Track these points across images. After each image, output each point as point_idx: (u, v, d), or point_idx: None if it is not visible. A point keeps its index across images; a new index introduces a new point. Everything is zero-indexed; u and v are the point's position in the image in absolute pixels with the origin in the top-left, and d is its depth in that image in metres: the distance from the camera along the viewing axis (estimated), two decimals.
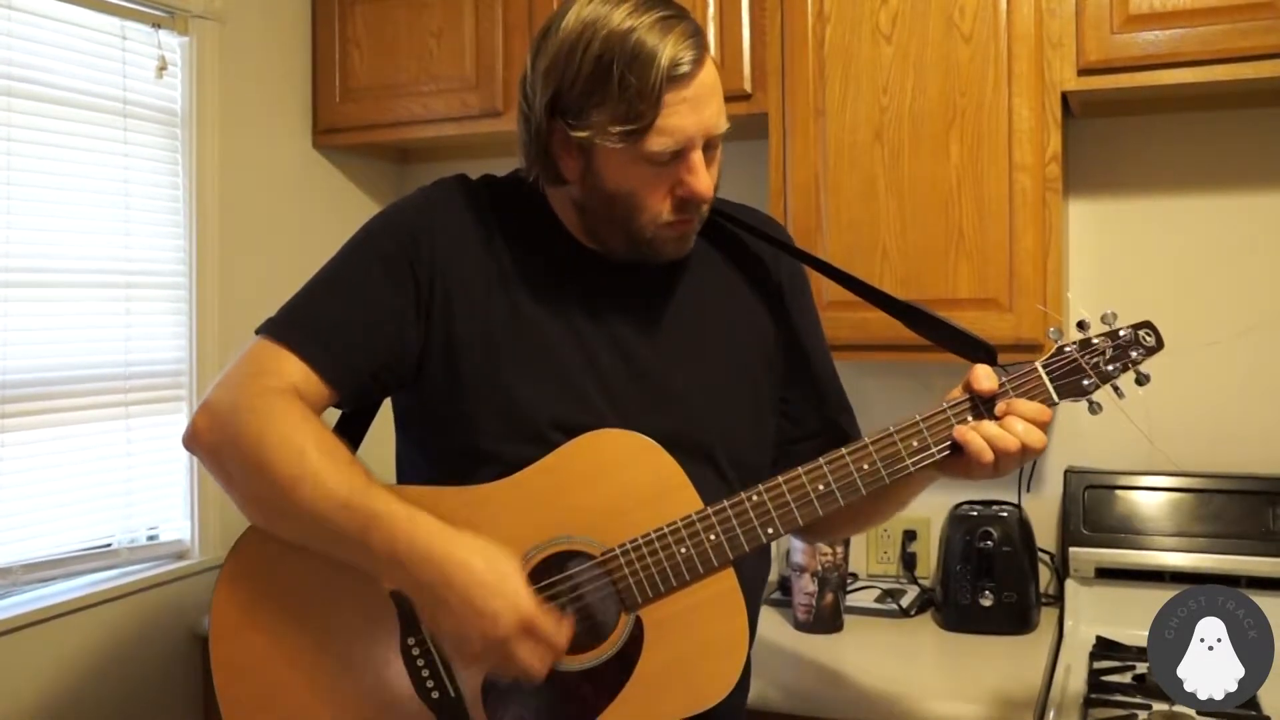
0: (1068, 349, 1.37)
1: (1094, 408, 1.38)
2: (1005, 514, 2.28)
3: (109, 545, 2.30)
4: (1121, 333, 1.37)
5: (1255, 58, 1.97)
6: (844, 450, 1.34)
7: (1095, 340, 1.37)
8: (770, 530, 1.32)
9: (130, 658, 2.29)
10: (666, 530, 1.31)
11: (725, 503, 1.32)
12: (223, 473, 1.32)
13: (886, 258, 2.22)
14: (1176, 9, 2.02)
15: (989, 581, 2.22)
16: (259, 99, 2.58)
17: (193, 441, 1.33)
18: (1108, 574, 2.25)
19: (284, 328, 1.36)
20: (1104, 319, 1.38)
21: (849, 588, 2.39)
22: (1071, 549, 2.27)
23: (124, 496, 2.31)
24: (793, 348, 1.52)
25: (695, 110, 1.28)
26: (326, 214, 2.75)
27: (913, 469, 1.34)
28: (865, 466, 1.33)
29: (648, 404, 1.38)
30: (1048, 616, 2.29)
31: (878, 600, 2.39)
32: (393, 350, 1.37)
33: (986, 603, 2.21)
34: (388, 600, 1.30)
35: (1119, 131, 2.37)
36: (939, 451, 1.35)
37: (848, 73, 2.23)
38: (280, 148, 2.65)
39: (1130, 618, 2.17)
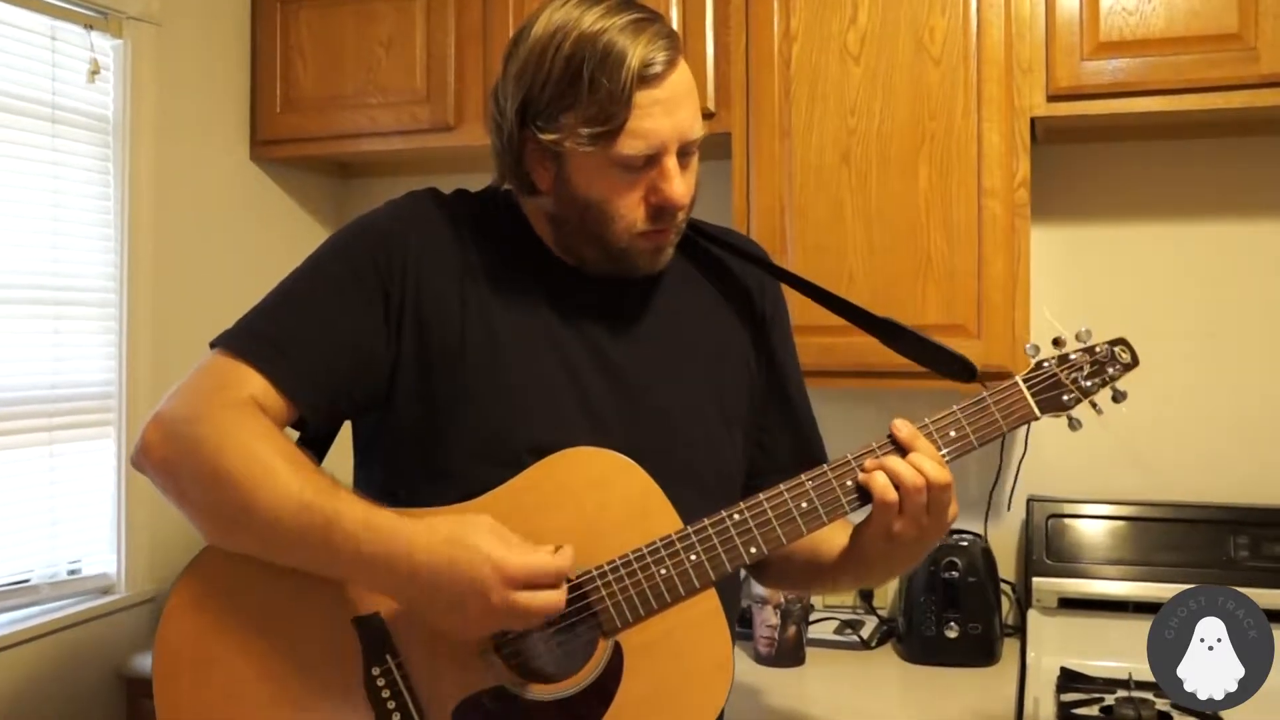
0: (1046, 364, 1.36)
1: (1074, 424, 1.36)
2: (966, 543, 2.25)
3: (27, 581, 2.15)
4: (1098, 349, 1.37)
5: (1224, 88, 1.98)
6: (826, 467, 1.30)
7: (1073, 356, 1.37)
8: (754, 549, 1.28)
9: (50, 701, 2.13)
10: (645, 551, 1.26)
11: (706, 521, 1.28)
12: (175, 488, 1.25)
13: (853, 282, 2.18)
14: (1147, 38, 2.02)
15: (954, 612, 2.19)
16: (196, 107, 2.45)
17: (143, 457, 1.26)
18: (1070, 604, 2.23)
19: (243, 340, 1.29)
20: (1078, 336, 1.38)
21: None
22: (1035, 579, 2.25)
23: (45, 528, 2.16)
24: (772, 378, 1.50)
25: (668, 113, 1.25)
26: (264, 230, 2.63)
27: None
28: (848, 483, 1.29)
29: (629, 422, 1.34)
30: (1009, 648, 2.26)
31: (837, 632, 2.34)
32: (360, 367, 1.30)
33: (952, 634, 2.18)
34: (349, 629, 1.24)
35: (1081, 158, 2.37)
36: None
37: (814, 93, 2.19)
38: (217, 159, 2.52)
39: (1093, 648, 2.17)
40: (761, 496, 1.29)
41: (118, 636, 2.25)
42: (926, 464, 1.26)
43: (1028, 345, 1.38)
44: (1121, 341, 1.38)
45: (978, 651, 2.19)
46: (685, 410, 1.38)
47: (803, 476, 1.29)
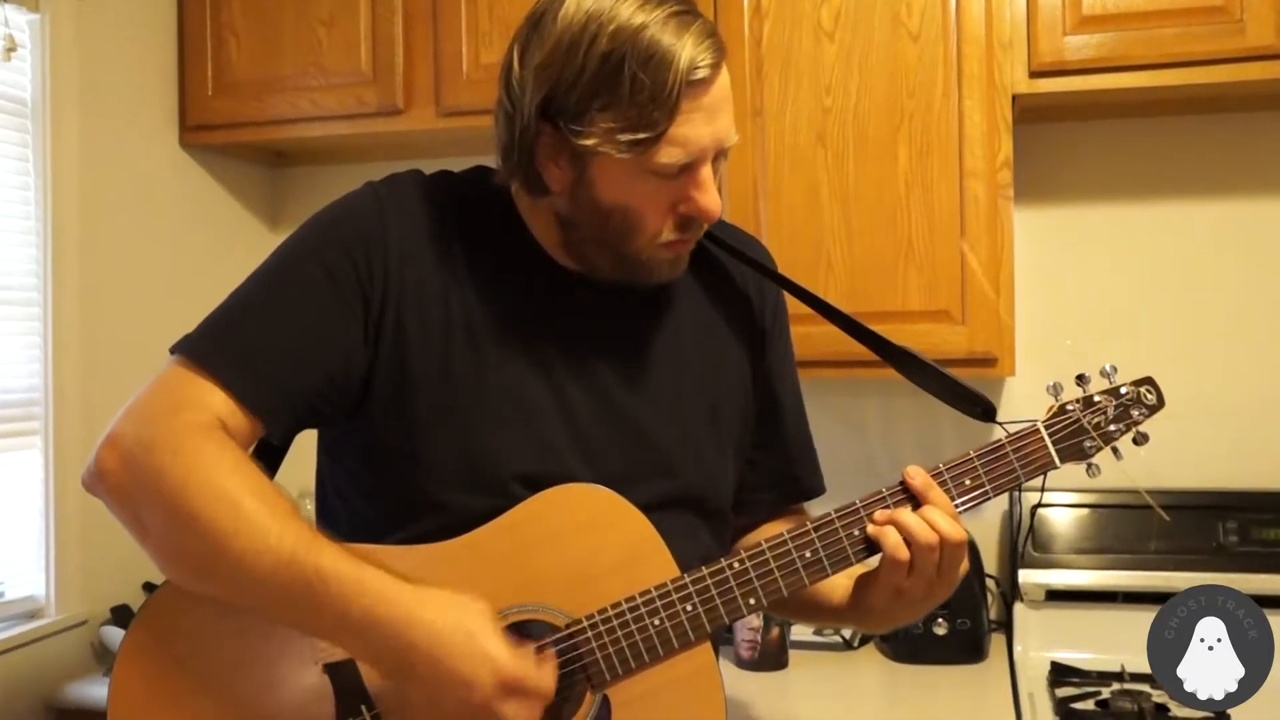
0: (1070, 408, 1.29)
1: (1092, 470, 1.29)
2: None
3: None
4: (1124, 390, 1.30)
5: (1211, 62, 1.94)
6: (833, 514, 1.22)
7: (1098, 399, 1.29)
8: (753, 601, 1.20)
9: None
10: (639, 600, 1.17)
11: (704, 570, 1.19)
12: (135, 521, 1.12)
13: (831, 270, 2.09)
14: (1131, 10, 1.97)
15: (941, 609, 2.09)
16: (121, 89, 2.27)
17: (96, 481, 1.13)
18: (1057, 596, 2.17)
19: (206, 350, 1.16)
20: (1103, 373, 1.30)
21: None
22: (1021, 571, 2.18)
23: None
24: (768, 396, 1.41)
25: (710, 120, 1.14)
26: (195, 223, 2.46)
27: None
28: (856, 533, 1.21)
29: (623, 452, 1.24)
30: (995, 643, 2.19)
31: (818, 632, 2.26)
32: (333, 379, 1.18)
33: (940, 631, 2.10)
34: (320, 676, 1.13)
35: (1058, 137, 2.31)
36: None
37: (787, 72, 2.10)
38: (145, 146, 2.35)
39: (1082, 641, 2.12)
40: (764, 544, 1.21)
41: (47, 664, 2.08)
42: (941, 520, 1.19)
43: (1049, 384, 1.30)
44: (1148, 381, 1.30)
45: (966, 648, 2.12)
46: (678, 436, 1.28)
47: (808, 524, 1.22)
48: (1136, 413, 1.29)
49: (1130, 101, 2.18)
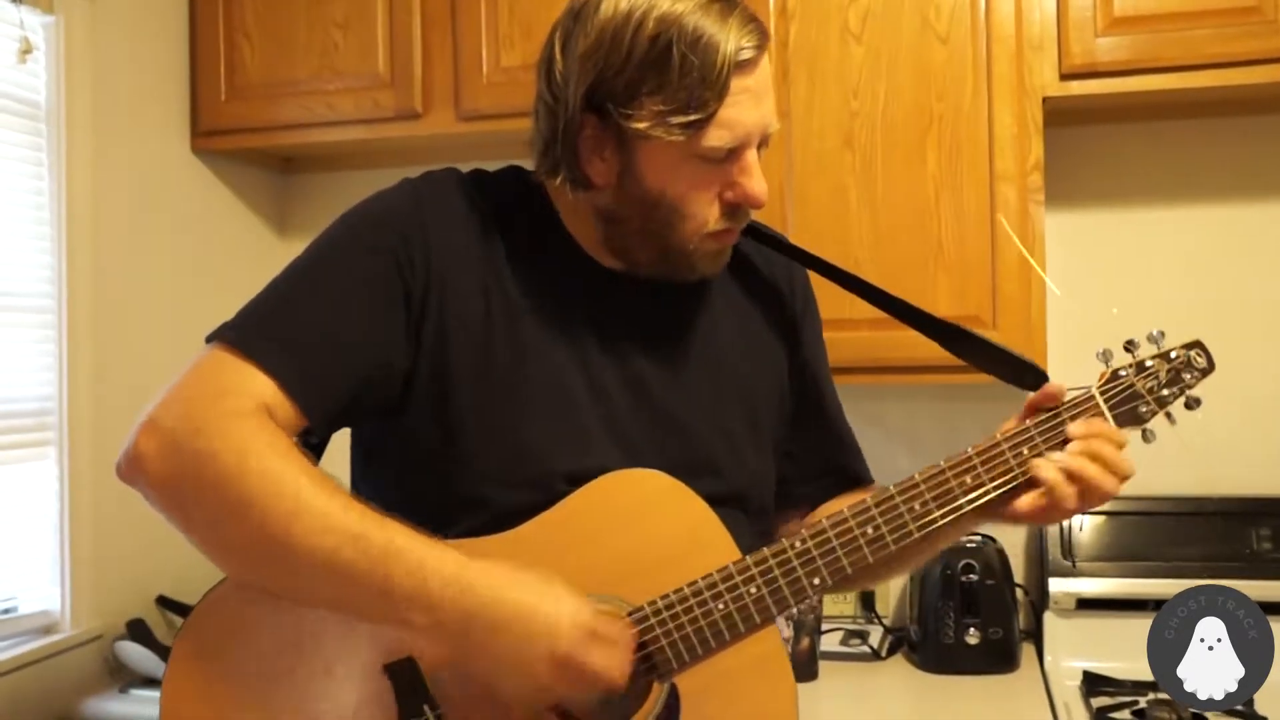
0: (1123, 373, 1.26)
1: (1148, 435, 1.27)
2: (975, 544, 2.15)
3: None
4: (1173, 354, 1.27)
5: (1245, 63, 1.92)
6: (893, 489, 1.19)
7: (1149, 363, 1.27)
8: (817, 581, 1.17)
9: None
10: (702, 584, 1.14)
11: (766, 551, 1.16)
12: (178, 511, 1.08)
13: (859, 271, 1.99)
14: (1163, 11, 1.95)
15: (973, 618, 2.08)
16: (135, 93, 2.24)
17: (135, 470, 1.08)
18: (1087, 604, 2.14)
19: (249, 337, 1.12)
20: (1150, 338, 1.28)
21: None
22: (1051, 579, 2.15)
23: None
24: (805, 385, 1.38)
25: (757, 103, 1.14)
26: (206, 230, 2.42)
27: (967, 509, 1.20)
28: (917, 507, 1.19)
29: (664, 450, 1.21)
30: (1025, 653, 2.16)
31: (843, 643, 2.23)
32: (376, 374, 1.16)
33: (972, 640, 2.07)
34: (379, 677, 1.10)
35: (1087, 140, 2.29)
36: (995, 489, 1.21)
37: (814, 74, 2.08)
38: (158, 151, 2.31)
39: (1113, 650, 2.08)
40: (825, 523, 1.18)
41: (62, 680, 2.03)
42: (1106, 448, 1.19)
43: (1098, 351, 1.28)
44: (1197, 345, 1.29)
45: (998, 658, 2.09)
46: (718, 434, 1.26)
47: (868, 500, 1.19)
48: (1188, 376, 1.27)
49: (1162, 103, 2.16)
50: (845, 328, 1.81)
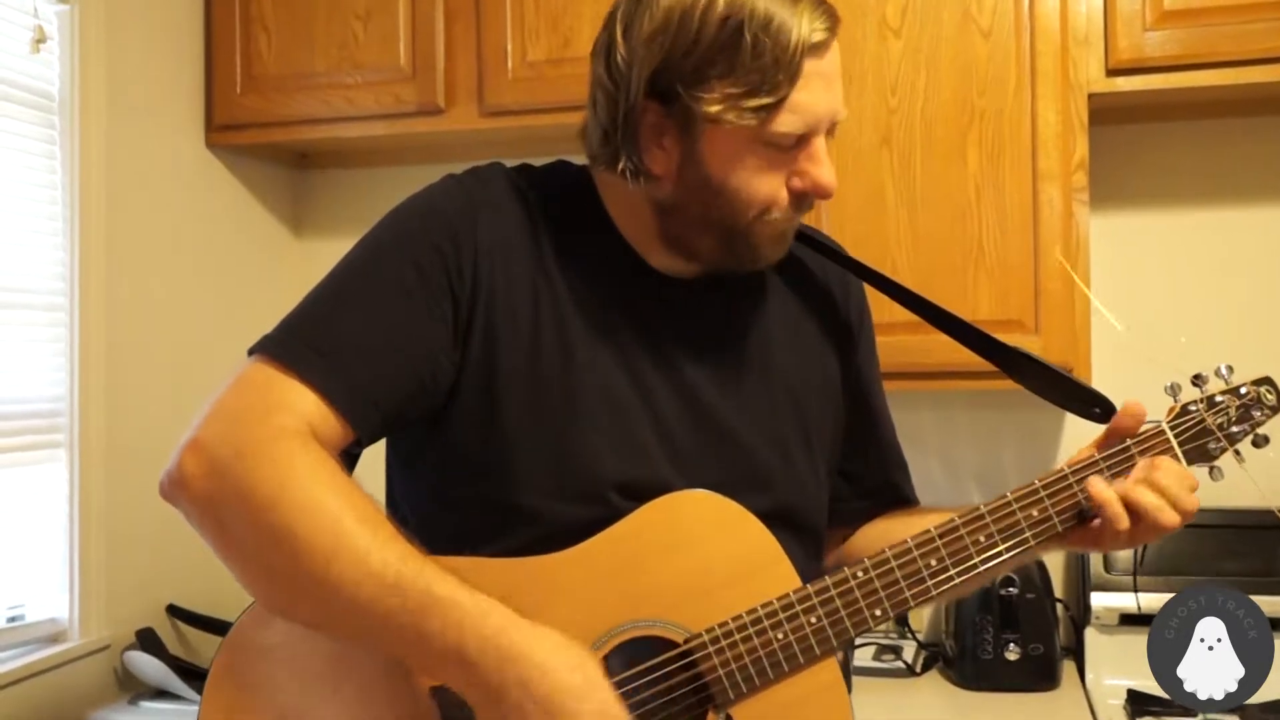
0: (1193, 408, 1.23)
1: (1215, 474, 1.24)
2: None
3: None
4: (1244, 390, 1.24)
5: None
6: (957, 519, 1.16)
7: (1220, 398, 1.23)
8: (879, 612, 1.14)
9: None
10: (762, 612, 1.11)
11: (828, 579, 1.13)
12: (220, 533, 1.04)
13: (897, 274, 1.94)
14: (1215, 4, 1.90)
15: (1012, 633, 2.02)
16: (149, 85, 2.18)
17: (178, 489, 1.04)
18: (1130, 620, 2.07)
19: (294, 350, 1.07)
20: (1219, 373, 1.25)
21: None
22: (1093, 594, 2.09)
23: None
24: (858, 399, 1.33)
25: (828, 87, 1.10)
26: (220, 227, 2.36)
27: (1034, 543, 1.18)
28: (982, 539, 1.16)
29: (717, 461, 1.17)
30: (1065, 670, 2.09)
31: (876, 658, 2.16)
32: (424, 383, 1.11)
33: (1012, 656, 2.01)
34: (424, 699, 1.06)
35: (1134, 138, 2.22)
36: (1062, 524, 1.18)
37: (851, 70, 2.01)
38: (172, 145, 2.25)
39: None
40: (888, 552, 1.15)
41: (69, 691, 1.97)
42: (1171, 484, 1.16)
43: (1167, 384, 1.24)
44: (1268, 381, 1.25)
45: (1039, 674, 2.02)
46: (771, 446, 1.21)
47: (932, 530, 1.15)
48: (1258, 413, 1.24)
49: (1208, 101, 2.10)
50: (879, 332, 1.76)
